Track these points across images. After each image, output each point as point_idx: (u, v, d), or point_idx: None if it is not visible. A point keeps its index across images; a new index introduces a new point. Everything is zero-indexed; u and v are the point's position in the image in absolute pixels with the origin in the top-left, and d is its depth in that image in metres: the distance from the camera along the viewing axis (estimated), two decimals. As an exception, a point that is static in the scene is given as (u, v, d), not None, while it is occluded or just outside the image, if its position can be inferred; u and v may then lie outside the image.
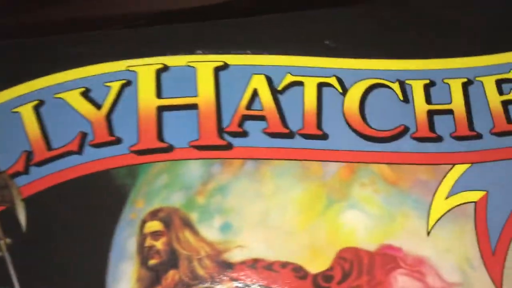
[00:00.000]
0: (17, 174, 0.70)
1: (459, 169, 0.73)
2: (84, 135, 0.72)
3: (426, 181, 0.73)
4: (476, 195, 0.72)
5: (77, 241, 0.68)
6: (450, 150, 0.74)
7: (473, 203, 0.71)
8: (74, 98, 0.73)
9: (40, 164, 0.70)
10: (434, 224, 0.70)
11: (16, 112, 0.73)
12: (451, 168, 0.73)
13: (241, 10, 0.82)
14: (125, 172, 0.71)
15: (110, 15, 0.78)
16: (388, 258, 0.69)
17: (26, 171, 0.70)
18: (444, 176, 0.72)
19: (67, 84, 0.74)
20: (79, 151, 0.71)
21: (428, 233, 0.70)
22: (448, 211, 0.71)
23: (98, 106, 0.73)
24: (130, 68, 0.75)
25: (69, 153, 0.71)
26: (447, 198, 0.72)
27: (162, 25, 0.78)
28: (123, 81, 0.75)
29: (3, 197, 0.68)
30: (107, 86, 0.74)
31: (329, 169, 0.73)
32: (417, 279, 0.68)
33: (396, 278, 0.68)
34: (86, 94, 0.74)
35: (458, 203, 0.71)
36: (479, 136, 0.75)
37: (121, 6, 0.84)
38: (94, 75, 0.75)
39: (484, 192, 0.72)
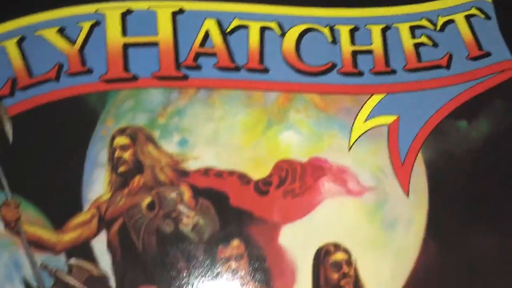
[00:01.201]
0: (4, 97, 0.82)
1: (376, 98, 0.88)
2: (60, 66, 0.84)
3: (349, 108, 0.88)
4: (389, 119, 0.87)
5: (55, 153, 0.81)
6: (369, 83, 0.89)
7: (387, 125, 0.87)
8: (51, 35, 0.85)
9: (23, 89, 0.82)
10: (354, 142, 0.85)
11: (2, 46, 0.84)
12: (369, 97, 0.88)
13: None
14: (96, 97, 0.84)
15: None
16: (317, 168, 0.84)
17: (11, 95, 0.82)
18: (364, 104, 0.87)
19: (45, 23, 0.86)
20: (57, 79, 0.83)
21: (349, 148, 0.85)
22: (366, 131, 0.86)
23: (72, 42, 0.85)
24: (99, 11, 0.87)
25: (48, 80, 0.83)
26: (365, 121, 0.87)
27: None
28: (93, 22, 0.87)
29: (-8, 116, 0.80)
30: (79, 26, 0.86)
31: (269, 97, 0.87)
32: (340, 184, 0.83)
33: (323, 183, 0.83)
34: (61, 32, 0.86)
35: (375, 125, 0.86)
36: (393, 72, 0.90)
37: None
38: (68, 16, 0.87)
39: (396, 116, 0.87)
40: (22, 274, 0.76)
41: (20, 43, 0.84)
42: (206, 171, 0.82)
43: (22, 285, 0.75)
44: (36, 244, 0.78)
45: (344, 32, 0.91)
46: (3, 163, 0.78)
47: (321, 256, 0.78)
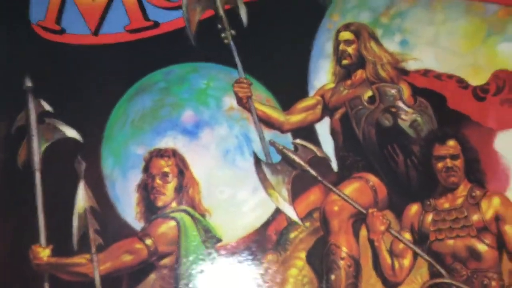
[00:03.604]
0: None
1: None
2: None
3: None
4: None
5: (285, 41, 0.85)
6: None
7: None
8: None
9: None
10: None
11: None
12: None
13: None
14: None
15: None
16: (537, 80, 0.84)
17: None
18: None
19: None
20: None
21: None
22: None
23: None
24: None
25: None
26: None
27: None
28: None
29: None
30: None
31: (490, 8, 0.87)
32: (558, 98, 0.83)
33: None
34: None
35: None
36: None
37: None
38: None
39: None
40: (252, 147, 0.82)
41: None
42: (425, 72, 0.84)
43: (251, 156, 0.81)
44: (265, 122, 0.83)
45: None
46: (236, 44, 0.84)
47: (537, 166, 0.79)
